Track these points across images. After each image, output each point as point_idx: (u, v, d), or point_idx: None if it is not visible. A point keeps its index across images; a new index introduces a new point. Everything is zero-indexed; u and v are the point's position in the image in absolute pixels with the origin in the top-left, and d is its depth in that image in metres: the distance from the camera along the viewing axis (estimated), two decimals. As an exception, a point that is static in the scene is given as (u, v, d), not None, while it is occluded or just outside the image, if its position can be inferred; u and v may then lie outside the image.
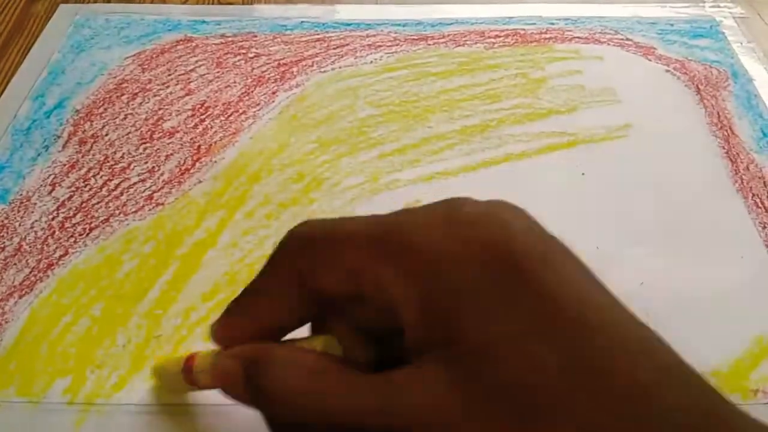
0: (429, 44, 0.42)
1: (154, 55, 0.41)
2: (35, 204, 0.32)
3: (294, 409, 0.17)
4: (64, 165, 0.34)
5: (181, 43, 0.42)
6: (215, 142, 0.36)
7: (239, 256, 0.30)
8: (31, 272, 0.29)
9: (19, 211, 0.32)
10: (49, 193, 0.33)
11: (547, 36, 0.43)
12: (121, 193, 0.33)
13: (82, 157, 0.35)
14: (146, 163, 0.34)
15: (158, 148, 0.35)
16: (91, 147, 0.35)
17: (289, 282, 0.19)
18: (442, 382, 0.15)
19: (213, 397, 0.25)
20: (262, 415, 0.18)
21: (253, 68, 0.40)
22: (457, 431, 0.15)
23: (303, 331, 0.20)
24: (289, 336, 0.20)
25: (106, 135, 0.36)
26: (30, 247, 0.31)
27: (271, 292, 0.19)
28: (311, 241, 0.18)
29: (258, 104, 0.38)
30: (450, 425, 0.15)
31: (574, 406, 0.14)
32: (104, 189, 0.33)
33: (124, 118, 0.37)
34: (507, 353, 0.15)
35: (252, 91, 0.39)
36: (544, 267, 0.16)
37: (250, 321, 0.19)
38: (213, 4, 0.46)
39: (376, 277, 0.17)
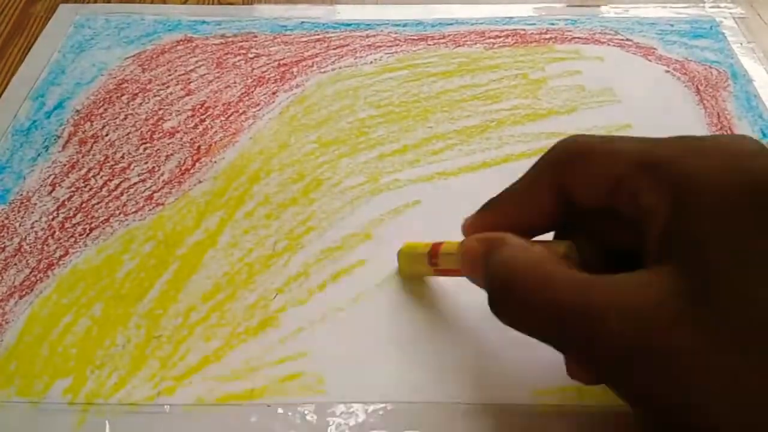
0: (429, 44, 0.42)
1: (154, 55, 0.41)
2: (35, 204, 0.32)
3: (515, 288, 0.18)
4: (64, 165, 0.34)
5: (181, 43, 0.42)
6: (215, 142, 0.36)
7: (239, 256, 0.30)
8: (31, 272, 0.30)
9: (19, 211, 0.32)
10: (49, 193, 0.33)
11: (547, 36, 0.43)
12: (121, 193, 0.33)
13: (82, 157, 0.35)
14: (146, 163, 0.35)
15: (158, 148, 0.35)
16: (91, 147, 0.35)
17: (549, 188, 0.20)
18: (668, 286, 0.16)
19: (210, 396, 0.25)
20: (490, 294, 0.19)
21: (253, 68, 0.40)
22: (666, 335, 0.15)
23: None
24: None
25: (106, 135, 0.36)
26: (30, 247, 0.31)
27: (530, 194, 0.20)
28: (582, 150, 0.19)
29: (258, 104, 0.38)
30: (662, 328, 0.15)
31: None
32: (104, 189, 0.33)
33: (124, 118, 0.37)
34: (745, 281, 0.15)
35: (252, 92, 0.39)
36: None
37: (501, 218, 0.21)
38: (213, 4, 0.46)
39: (634, 188, 0.17)
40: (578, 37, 0.43)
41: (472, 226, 0.22)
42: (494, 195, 0.22)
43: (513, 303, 0.18)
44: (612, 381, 0.17)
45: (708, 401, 0.15)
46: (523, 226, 0.20)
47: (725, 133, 0.18)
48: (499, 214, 0.21)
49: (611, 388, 0.17)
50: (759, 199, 0.16)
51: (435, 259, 0.25)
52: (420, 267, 0.27)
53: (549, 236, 0.22)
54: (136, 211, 0.32)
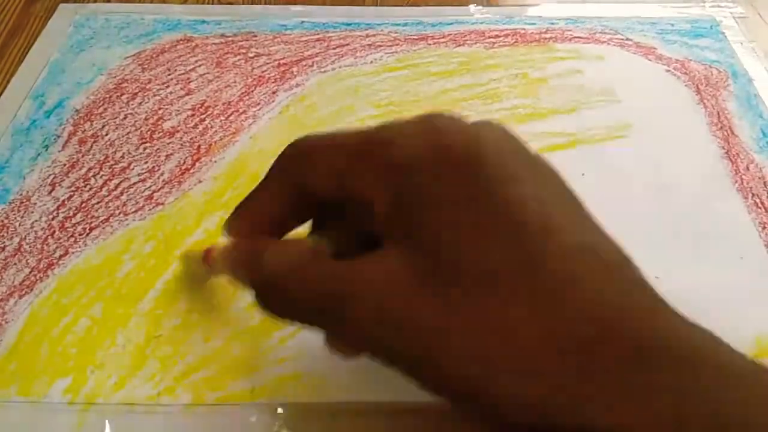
0: (429, 44, 0.42)
1: (154, 55, 0.41)
2: (35, 204, 0.32)
3: (276, 287, 0.20)
4: (64, 165, 0.34)
5: (181, 43, 0.42)
6: (215, 142, 0.36)
7: (239, 256, 0.30)
8: (31, 272, 0.30)
9: (19, 211, 0.32)
10: (49, 193, 0.33)
11: (547, 36, 0.43)
12: (121, 193, 0.33)
13: (82, 157, 0.35)
14: (146, 163, 0.34)
15: (158, 148, 0.35)
16: (91, 147, 0.35)
17: (283, 186, 0.22)
18: (397, 260, 0.18)
19: (210, 396, 0.25)
20: (255, 294, 0.21)
21: (253, 68, 0.40)
22: (407, 302, 0.17)
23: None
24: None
25: (106, 135, 0.36)
26: (30, 247, 0.31)
27: (270, 195, 0.22)
28: (306, 149, 0.21)
29: (258, 104, 0.38)
30: (400, 295, 0.18)
31: (514, 284, 0.17)
32: (104, 189, 0.33)
33: (124, 118, 0.37)
34: (457, 238, 0.17)
35: (252, 91, 0.39)
36: (508, 181, 0.18)
37: (253, 217, 0.23)
38: (213, 4, 0.46)
39: (358, 179, 0.20)
40: (578, 37, 0.43)
41: (230, 227, 0.23)
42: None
43: (275, 300, 0.21)
44: (376, 355, 0.19)
45: (451, 356, 0.17)
46: (273, 222, 0.22)
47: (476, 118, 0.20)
48: (249, 214, 0.23)
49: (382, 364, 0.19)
50: (458, 175, 0.18)
51: (208, 261, 0.25)
52: (200, 272, 0.27)
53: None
54: (136, 211, 0.32)
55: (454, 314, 0.17)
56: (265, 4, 0.46)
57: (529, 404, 0.16)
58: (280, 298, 0.20)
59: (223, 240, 0.24)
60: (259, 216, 0.23)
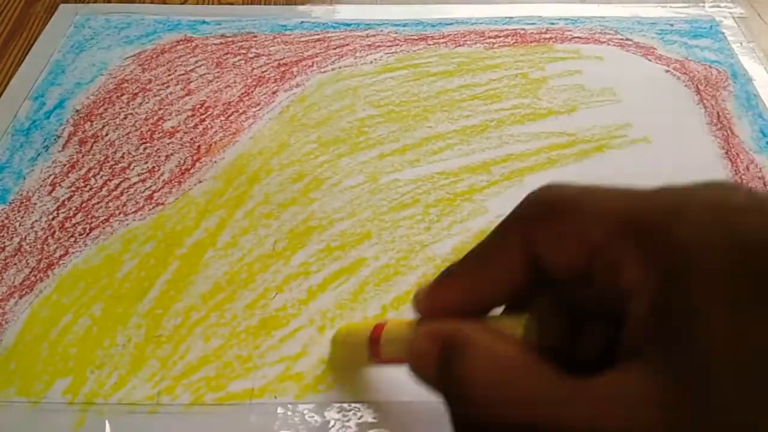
0: (429, 44, 0.42)
1: (154, 55, 0.41)
2: (35, 204, 0.32)
3: (486, 405, 0.15)
4: (64, 165, 0.34)
5: (181, 43, 0.42)
6: (215, 142, 0.36)
7: (239, 255, 0.30)
8: (31, 272, 0.30)
9: (19, 211, 0.32)
10: (49, 193, 0.33)
11: (547, 36, 0.43)
12: (121, 193, 0.33)
13: (82, 157, 0.35)
14: (146, 163, 0.35)
15: (158, 148, 0.35)
16: (91, 147, 0.35)
17: (519, 254, 0.16)
18: (649, 395, 0.13)
19: (210, 396, 0.25)
20: (447, 406, 0.16)
21: (253, 68, 0.40)
22: None
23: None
24: None
25: (106, 135, 0.36)
26: (30, 247, 0.31)
27: (498, 262, 0.17)
28: (552, 207, 0.16)
29: (258, 104, 0.38)
30: None
31: None
32: (104, 189, 0.33)
33: (124, 118, 0.37)
34: (736, 373, 0.12)
35: (252, 91, 0.39)
36: None
37: (461, 292, 0.18)
38: (213, 4, 0.46)
39: (615, 260, 0.15)
40: (578, 37, 0.43)
41: (425, 301, 0.18)
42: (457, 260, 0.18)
43: (477, 425, 0.15)
44: None
45: None
46: (485, 299, 0.18)
47: (711, 179, 0.16)
48: (460, 287, 0.18)
49: None
50: (755, 267, 0.13)
51: (376, 346, 0.21)
52: (361, 358, 0.22)
53: None
54: (136, 211, 0.32)
55: None
56: (265, 4, 0.46)
57: None
58: (488, 423, 0.15)
59: (394, 319, 0.20)
60: (476, 288, 0.17)
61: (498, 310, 0.18)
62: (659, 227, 0.14)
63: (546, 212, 0.16)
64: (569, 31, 0.43)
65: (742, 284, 0.13)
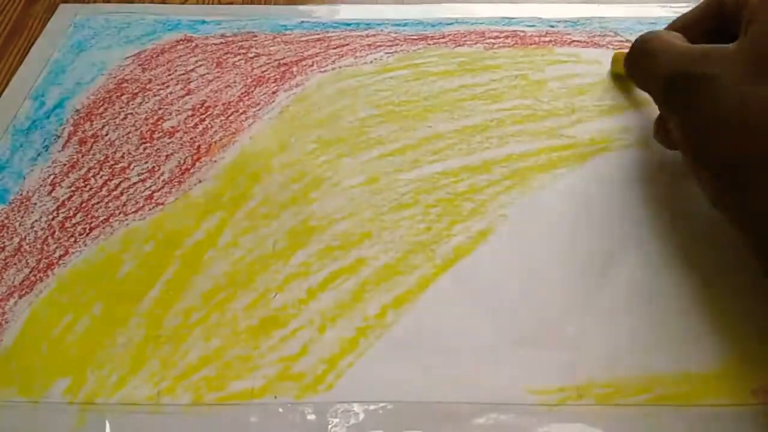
0: (429, 44, 0.42)
1: (154, 55, 0.41)
2: (35, 204, 0.32)
3: (646, 51, 0.30)
4: (64, 165, 0.34)
5: (181, 42, 0.42)
6: (215, 142, 0.36)
7: (239, 255, 0.30)
8: (31, 272, 0.30)
9: (19, 211, 0.32)
10: (49, 193, 0.33)
11: (547, 39, 0.43)
12: (121, 193, 0.33)
13: (82, 157, 0.35)
14: (146, 163, 0.35)
15: (158, 148, 0.35)
16: (91, 147, 0.35)
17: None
18: (735, 46, 0.25)
19: (210, 396, 0.25)
20: (626, 57, 0.32)
21: (253, 68, 0.40)
22: (732, 70, 0.24)
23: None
24: None
25: (106, 135, 0.36)
26: (30, 247, 0.31)
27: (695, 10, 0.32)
28: None
29: (258, 104, 0.38)
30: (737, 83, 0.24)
31: None
32: (104, 189, 0.33)
33: (124, 118, 0.37)
34: None
35: (252, 91, 0.39)
36: None
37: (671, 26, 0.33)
38: (213, 4, 0.46)
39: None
40: (577, 41, 0.43)
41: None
42: None
43: (642, 61, 0.30)
44: (700, 148, 0.26)
45: None
46: (687, 27, 0.32)
47: None
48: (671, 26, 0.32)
49: (694, 162, 0.27)
50: None
51: (618, 62, 0.36)
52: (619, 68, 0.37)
53: None
54: (136, 211, 0.32)
55: None
56: (265, 4, 0.46)
57: None
58: (645, 61, 0.29)
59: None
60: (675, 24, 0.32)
61: None
62: None
63: None
64: (568, 34, 0.43)
65: None
